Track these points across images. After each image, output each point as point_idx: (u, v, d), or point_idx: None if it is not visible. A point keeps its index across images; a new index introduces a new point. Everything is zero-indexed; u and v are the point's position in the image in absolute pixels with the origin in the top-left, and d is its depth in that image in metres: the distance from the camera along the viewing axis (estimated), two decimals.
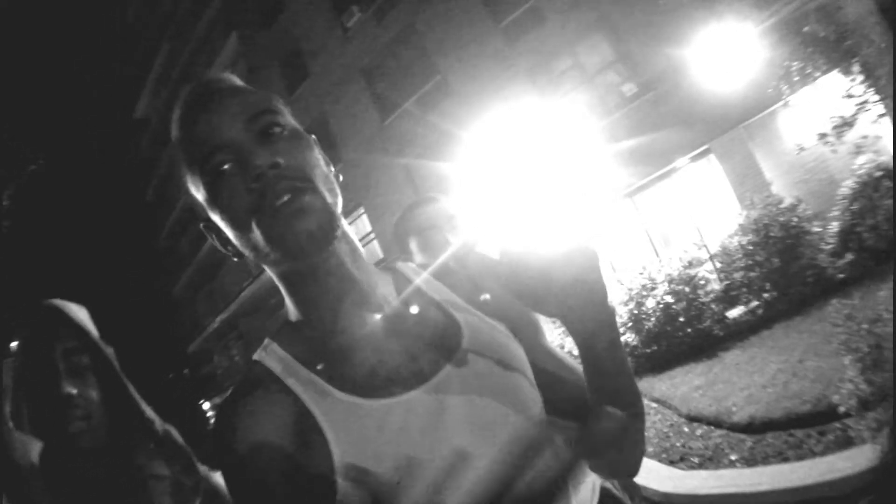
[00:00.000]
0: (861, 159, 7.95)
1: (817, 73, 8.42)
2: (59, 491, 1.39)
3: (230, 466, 0.82)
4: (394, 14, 15.81)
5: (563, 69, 12.91)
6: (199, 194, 0.91)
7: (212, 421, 0.73)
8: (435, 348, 0.89)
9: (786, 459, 4.26)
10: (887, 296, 3.80)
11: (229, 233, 0.89)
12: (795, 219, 8.59)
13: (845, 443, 3.86)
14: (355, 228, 17.47)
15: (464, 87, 14.21)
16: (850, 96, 8.07)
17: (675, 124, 10.82)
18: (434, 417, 0.82)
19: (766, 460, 4.42)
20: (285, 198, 0.82)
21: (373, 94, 16.70)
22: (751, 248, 8.75)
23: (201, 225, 0.94)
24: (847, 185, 7.90)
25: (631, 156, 11.32)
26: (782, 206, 8.86)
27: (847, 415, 3.69)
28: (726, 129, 10.50)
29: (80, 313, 1.53)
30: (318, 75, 17.95)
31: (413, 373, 0.86)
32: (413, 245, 1.89)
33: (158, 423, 1.56)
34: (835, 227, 7.96)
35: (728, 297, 9.20)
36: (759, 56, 8.92)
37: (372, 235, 17.12)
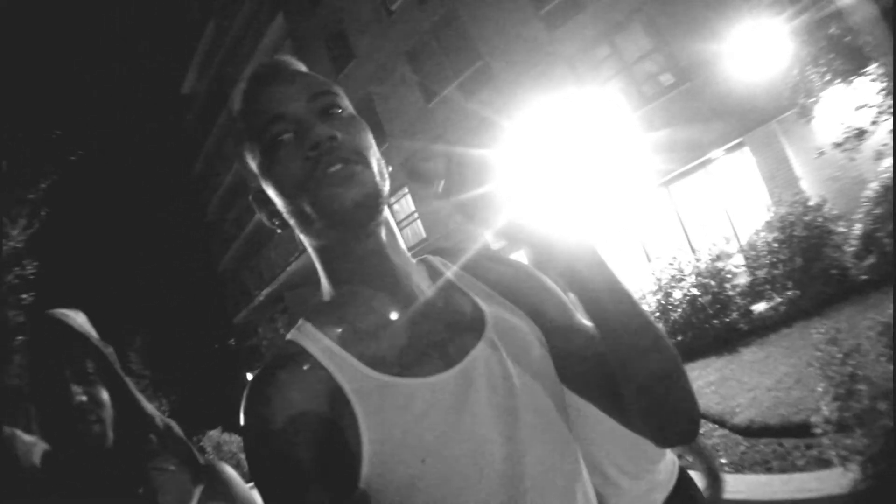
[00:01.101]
0: (884, 164, 7.95)
1: (837, 80, 8.41)
2: (64, 492, 1.44)
3: (260, 438, 0.83)
4: None
5: (601, 57, 12.99)
6: (253, 163, 0.94)
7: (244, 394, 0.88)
8: (462, 335, 0.93)
9: (769, 469, 4.55)
10: (871, 325, 3.93)
11: (278, 200, 0.92)
12: (820, 218, 8.64)
13: (824, 462, 4.06)
14: (399, 208, 17.83)
15: (505, 73, 14.37)
16: (865, 106, 8.07)
17: (711, 116, 10.88)
18: (459, 399, 0.86)
19: (752, 468, 4.71)
20: (338, 166, 0.87)
21: (417, 77, 16.87)
22: (776, 245, 8.85)
23: (250, 196, 0.99)
24: (871, 188, 7.92)
25: (667, 145, 11.43)
26: (809, 204, 8.92)
27: (823, 435, 3.89)
28: (761, 123, 10.53)
29: (78, 319, 1.58)
30: (363, 57, 18.19)
31: (441, 356, 0.90)
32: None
33: (159, 419, 1.63)
34: (858, 229, 7.99)
35: (754, 292, 9.32)
36: (793, 52, 8.92)
37: (416, 215, 17.49)
